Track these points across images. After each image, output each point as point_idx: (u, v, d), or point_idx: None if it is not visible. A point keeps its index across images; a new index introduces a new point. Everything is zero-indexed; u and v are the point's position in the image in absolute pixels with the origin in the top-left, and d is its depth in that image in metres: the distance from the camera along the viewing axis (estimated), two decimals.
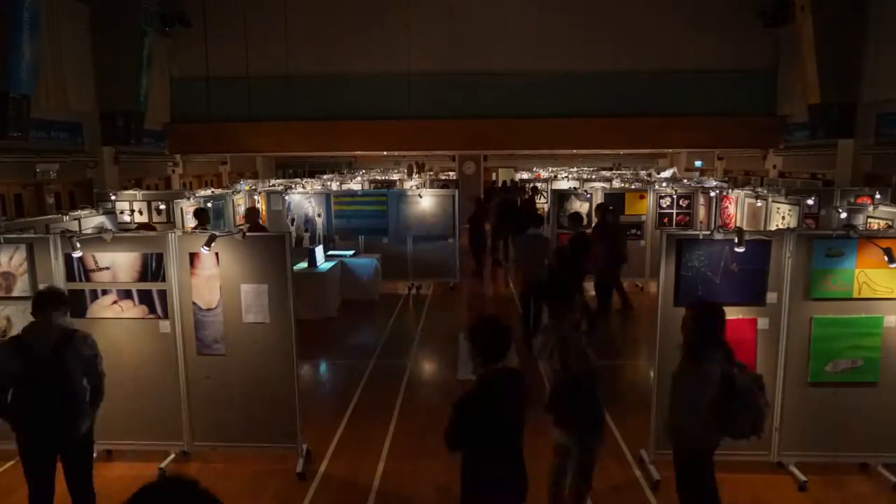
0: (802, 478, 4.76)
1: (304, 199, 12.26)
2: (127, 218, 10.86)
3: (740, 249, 4.59)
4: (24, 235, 5.21)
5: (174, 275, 4.96)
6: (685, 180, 16.90)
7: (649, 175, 20.60)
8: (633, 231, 11.26)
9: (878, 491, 4.75)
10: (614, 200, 11.37)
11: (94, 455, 5.12)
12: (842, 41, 13.60)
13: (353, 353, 8.47)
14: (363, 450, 5.46)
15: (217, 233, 4.89)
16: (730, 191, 11.42)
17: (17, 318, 4.98)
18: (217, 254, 4.89)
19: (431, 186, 18.09)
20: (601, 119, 17.29)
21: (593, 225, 9.88)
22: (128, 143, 15.01)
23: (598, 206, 10.33)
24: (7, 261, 4.98)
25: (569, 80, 17.44)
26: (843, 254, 4.64)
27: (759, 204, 9.69)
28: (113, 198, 11.33)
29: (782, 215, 8.71)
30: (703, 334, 3.61)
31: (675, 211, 11.64)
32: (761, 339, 4.77)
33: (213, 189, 14.73)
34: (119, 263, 4.94)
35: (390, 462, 5.26)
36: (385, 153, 25.10)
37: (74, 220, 7.74)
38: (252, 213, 10.35)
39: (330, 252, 11.18)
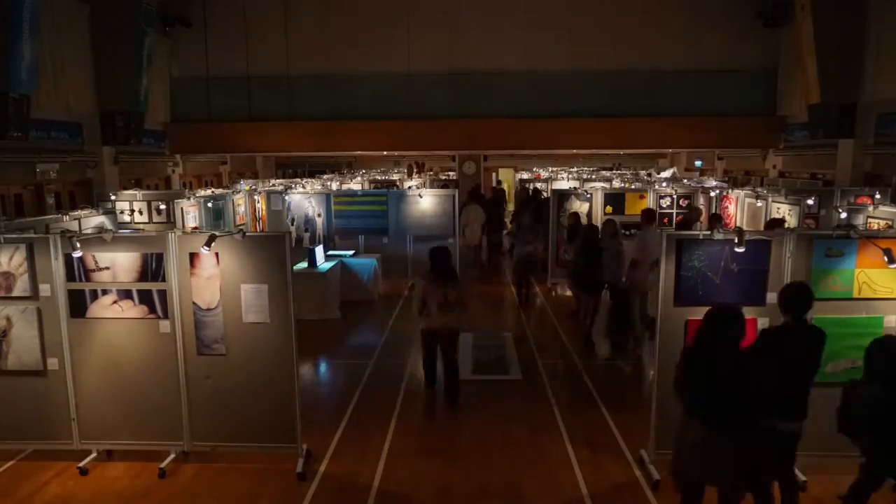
0: (802, 477, 4.75)
1: (304, 199, 12.27)
2: (127, 218, 10.86)
3: (740, 249, 4.59)
4: (24, 235, 5.21)
5: (174, 275, 4.96)
6: (685, 180, 16.89)
7: (649, 175, 20.60)
8: (634, 231, 11.26)
9: (878, 491, 4.74)
10: (614, 200, 11.36)
11: (95, 454, 5.16)
12: (842, 41, 13.57)
13: (353, 353, 8.48)
14: (363, 450, 5.45)
15: (217, 233, 4.89)
16: (730, 191, 11.43)
17: (17, 318, 4.99)
18: (217, 254, 4.89)
19: (431, 186, 18.08)
20: (601, 119, 17.26)
21: None
22: (128, 143, 14.97)
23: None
24: (7, 261, 4.98)
25: (569, 80, 17.41)
26: (843, 254, 4.64)
27: (759, 204, 9.71)
28: (113, 198, 11.34)
29: (782, 215, 8.73)
30: None
31: (675, 211, 11.65)
32: None
33: (213, 189, 14.73)
34: (119, 263, 4.94)
35: (390, 462, 5.25)
36: (385, 153, 25.08)
37: (74, 220, 7.76)
38: None
39: (330, 252, 11.18)
